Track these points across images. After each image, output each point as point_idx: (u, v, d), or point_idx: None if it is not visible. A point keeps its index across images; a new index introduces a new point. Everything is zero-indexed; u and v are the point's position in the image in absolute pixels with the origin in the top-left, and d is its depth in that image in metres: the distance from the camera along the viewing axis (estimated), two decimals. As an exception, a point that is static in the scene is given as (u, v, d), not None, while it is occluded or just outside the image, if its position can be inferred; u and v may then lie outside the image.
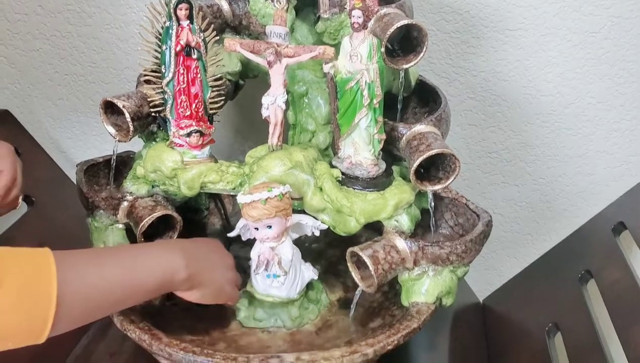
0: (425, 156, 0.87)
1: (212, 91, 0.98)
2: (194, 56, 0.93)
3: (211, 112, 0.99)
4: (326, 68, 0.91)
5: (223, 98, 1.02)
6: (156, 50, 0.93)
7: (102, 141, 1.38)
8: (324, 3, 0.98)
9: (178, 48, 0.91)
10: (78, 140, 1.45)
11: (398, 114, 1.00)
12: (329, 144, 1.15)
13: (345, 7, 0.97)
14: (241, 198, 0.87)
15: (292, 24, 1.02)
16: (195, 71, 0.94)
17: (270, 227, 0.88)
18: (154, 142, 1.02)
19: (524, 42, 1.18)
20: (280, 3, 0.91)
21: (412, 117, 1.10)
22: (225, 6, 1.03)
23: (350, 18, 0.87)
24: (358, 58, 0.87)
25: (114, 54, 1.33)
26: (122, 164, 1.10)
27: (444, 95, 1.02)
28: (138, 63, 0.95)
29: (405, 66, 0.94)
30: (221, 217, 1.21)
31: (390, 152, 0.99)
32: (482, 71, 1.22)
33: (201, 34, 0.93)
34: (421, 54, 0.94)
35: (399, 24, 0.90)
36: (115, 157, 1.02)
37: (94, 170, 1.07)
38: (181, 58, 0.93)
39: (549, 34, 1.17)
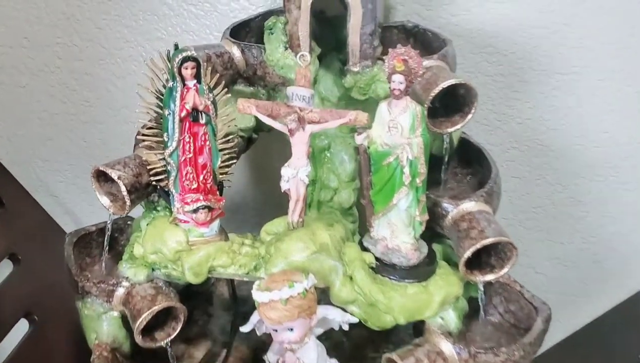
0: (478, 246, 0.74)
1: (223, 154, 0.84)
2: (202, 121, 0.80)
3: (221, 178, 0.86)
4: (359, 140, 0.77)
5: (235, 160, 0.88)
6: (157, 113, 0.80)
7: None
8: (354, 55, 0.85)
9: (183, 113, 0.78)
10: (70, 184, 1.32)
11: (441, 186, 0.87)
12: (353, 202, 1.02)
13: (381, 59, 0.84)
14: (257, 296, 0.73)
15: (315, 76, 0.89)
16: (203, 138, 0.81)
17: (292, 329, 0.75)
18: (154, 212, 0.89)
19: (578, 87, 1.04)
20: (305, 59, 0.77)
21: (453, 179, 0.96)
22: (238, 55, 0.89)
23: (389, 83, 0.73)
24: (398, 130, 0.74)
25: (109, 91, 1.20)
26: (118, 231, 0.97)
27: (492, 159, 0.89)
28: (136, 127, 0.81)
29: (450, 130, 0.81)
30: (229, 286, 1.07)
31: (430, 228, 0.85)
32: (529, 119, 1.08)
33: (210, 95, 0.80)
34: (469, 116, 0.81)
35: (444, 84, 0.77)
36: (109, 232, 0.88)
37: (85, 240, 0.94)
38: (187, 124, 0.79)
39: (606, 78, 1.03)
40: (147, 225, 0.88)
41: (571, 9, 0.99)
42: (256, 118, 0.94)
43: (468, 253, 0.74)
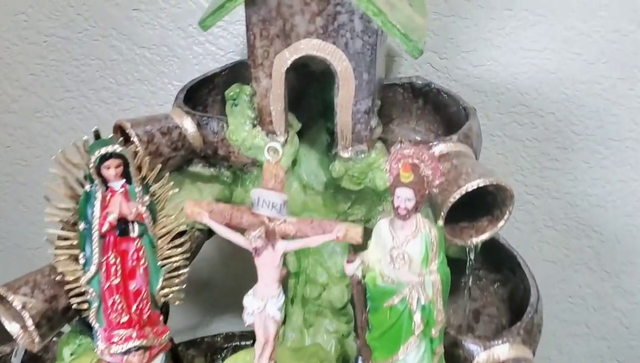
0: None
1: (170, 264, 0.63)
2: (134, 234, 0.59)
3: (165, 299, 0.64)
4: (350, 269, 0.56)
5: (187, 267, 0.67)
6: (72, 225, 0.59)
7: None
8: (345, 137, 0.63)
9: (105, 227, 0.56)
10: (9, 253, 1.11)
11: (466, 309, 0.65)
12: (347, 301, 0.80)
13: (383, 141, 0.62)
14: None
15: (293, 157, 0.67)
16: (135, 257, 0.59)
17: None
18: (80, 338, 0.68)
19: (634, 156, 0.82)
20: (275, 153, 0.56)
21: (476, 285, 0.75)
22: (192, 130, 0.68)
23: (392, 196, 0.51)
24: (405, 262, 0.52)
25: (49, 149, 0.98)
26: (42, 349, 0.75)
27: (530, 271, 0.67)
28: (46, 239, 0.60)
29: (475, 240, 0.60)
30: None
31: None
32: (568, 193, 0.87)
33: (146, 197, 0.58)
34: (501, 223, 0.60)
35: (468, 187, 0.56)
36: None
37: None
38: (111, 240, 0.58)
39: (671, 145, 0.81)
40: (70, 356, 0.67)
41: (629, 59, 0.77)
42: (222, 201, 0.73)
43: None
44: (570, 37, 0.77)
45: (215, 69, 0.77)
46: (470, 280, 0.69)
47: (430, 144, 0.64)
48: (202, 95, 0.78)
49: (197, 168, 0.72)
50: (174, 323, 0.67)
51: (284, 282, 0.66)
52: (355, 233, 0.56)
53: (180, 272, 0.65)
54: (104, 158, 0.55)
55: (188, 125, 0.68)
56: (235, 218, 0.59)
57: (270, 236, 0.57)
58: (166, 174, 0.62)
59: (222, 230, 0.58)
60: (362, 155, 0.64)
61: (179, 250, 0.65)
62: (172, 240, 0.64)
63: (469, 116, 0.68)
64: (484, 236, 0.61)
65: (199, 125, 0.68)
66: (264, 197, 0.57)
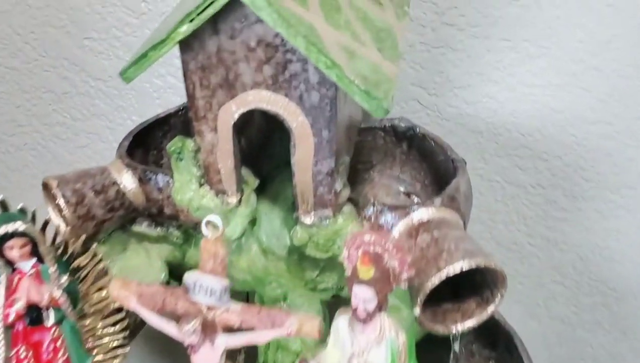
0: None
1: (107, 343, 0.54)
2: (49, 322, 0.49)
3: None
4: (301, 376, 0.46)
5: (127, 346, 0.58)
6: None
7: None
8: (305, 201, 0.53)
9: (11, 318, 0.47)
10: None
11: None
12: None
13: (353, 202, 0.53)
14: None
15: (250, 217, 0.58)
16: (51, 348, 0.50)
17: None
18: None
19: (653, 205, 0.72)
20: (215, 228, 0.46)
21: (467, 361, 0.64)
22: (132, 186, 0.58)
23: (350, 294, 0.42)
24: (366, 371, 0.42)
25: (2, 188, 0.89)
26: None
27: (528, 355, 0.57)
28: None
29: (461, 327, 0.50)
30: None
31: None
32: (578, 245, 0.76)
33: (64, 279, 0.49)
34: (490, 307, 0.50)
35: (449, 270, 0.46)
36: None
37: None
38: (20, 330, 0.49)
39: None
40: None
41: (647, 98, 0.67)
42: (171, 263, 0.64)
43: None
44: (578, 72, 0.66)
45: (170, 109, 0.68)
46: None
47: (407, 209, 0.53)
48: (156, 137, 0.68)
49: (142, 227, 0.62)
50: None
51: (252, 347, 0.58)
52: (311, 327, 0.46)
53: (119, 352, 0.56)
54: (5, 238, 0.46)
55: (128, 181, 0.59)
56: (169, 304, 0.49)
57: (209, 329, 0.48)
58: (93, 245, 0.53)
59: (152, 319, 0.49)
60: (327, 221, 0.54)
61: (117, 328, 0.55)
62: (107, 316, 0.55)
63: (457, 171, 0.58)
64: (471, 322, 0.51)
65: (141, 181, 0.59)
66: (201, 282, 0.47)
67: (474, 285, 0.52)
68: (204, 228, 0.47)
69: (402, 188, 0.67)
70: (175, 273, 0.65)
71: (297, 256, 0.61)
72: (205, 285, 0.47)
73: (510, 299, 0.79)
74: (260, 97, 0.48)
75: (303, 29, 0.41)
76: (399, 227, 0.54)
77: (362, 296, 0.40)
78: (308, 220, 0.54)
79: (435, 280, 0.47)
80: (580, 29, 0.64)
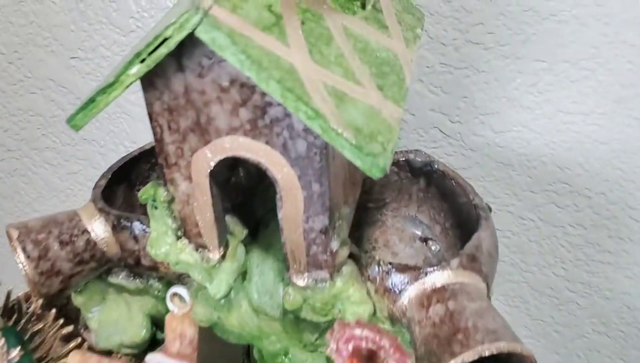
0: None
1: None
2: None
3: None
4: None
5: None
6: None
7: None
8: (297, 260, 0.45)
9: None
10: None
11: None
12: None
13: (356, 259, 0.44)
14: None
15: (239, 270, 0.50)
16: None
17: None
18: None
19: None
20: (182, 302, 0.39)
21: None
22: (104, 235, 0.51)
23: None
24: None
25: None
26: None
27: None
28: None
29: None
30: None
31: None
32: (626, 293, 0.67)
33: (14, 353, 0.42)
34: None
35: (465, 357, 0.37)
36: None
37: None
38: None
39: None
40: None
41: None
42: (154, 318, 0.57)
43: None
44: (628, 97, 0.57)
45: (144, 146, 0.60)
46: None
47: (418, 271, 0.45)
48: (142, 171, 0.61)
49: (119, 279, 0.55)
50: None
51: None
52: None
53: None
54: None
55: (99, 229, 0.51)
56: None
57: (176, 419, 0.40)
58: (52, 311, 0.46)
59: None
60: (324, 284, 0.46)
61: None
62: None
63: (480, 221, 0.49)
64: (494, 410, 0.43)
65: (114, 229, 0.52)
66: (165, 365, 0.40)
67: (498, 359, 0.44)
68: (168, 302, 0.40)
69: (418, 233, 0.59)
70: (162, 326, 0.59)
71: (293, 317, 0.53)
72: (170, 371, 0.40)
73: (546, 349, 0.70)
74: (238, 144, 0.40)
75: (277, 72, 0.33)
76: (409, 293, 0.46)
77: (349, 407, 0.32)
78: (301, 282, 0.46)
79: (452, 369, 0.39)
80: (629, 48, 0.54)
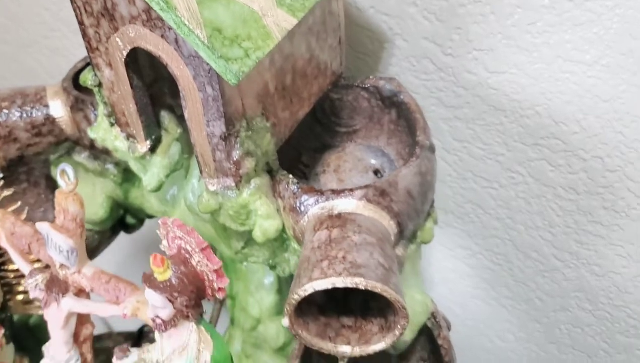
0: None
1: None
2: None
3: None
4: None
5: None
6: None
7: None
8: (206, 164, 0.46)
9: None
10: None
11: None
12: (285, 341, 0.66)
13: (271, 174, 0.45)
14: None
15: (169, 172, 0.52)
16: None
17: None
18: None
19: None
20: (69, 180, 0.42)
21: None
22: (61, 113, 0.56)
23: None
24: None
25: None
26: None
27: None
28: None
29: (347, 351, 0.41)
30: None
31: None
32: (616, 272, 0.62)
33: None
34: (391, 337, 0.40)
35: (315, 285, 0.38)
36: None
37: None
38: None
39: None
40: None
41: None
42: (112, 199, 0.61)
43: None
44: (638, 50, 0.50)
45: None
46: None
47: (322, 195, 0.44)
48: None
49: (81, 158, 0.59)
50: None
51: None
52: (143, 313, 0.40)
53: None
54: None
55: (58, 107, 0.55)
56: (33, 250, 0.46)
57: (58, 287, 0.44)
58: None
59: (17, 259, 0.46)
60: (230, 192, 0.47)
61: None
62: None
63: (411, 158, 0.47)
64: (366, 349, 0.42)
65: (72, 108, 0.55)
66: (52, 236, 0.43)
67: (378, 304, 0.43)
68: (58, 179, 0.43)
69: (377, 165, 0.57)
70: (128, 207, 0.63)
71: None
72: (54, 241, 0.43)
73: (528, 315, 0.67)
74: (139, 35, 0.41)
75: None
76: (309, 214, 0.45)
77: (151, 301, 0.33)
78: (212, 186, 0.47)
79: (300, 293, 0.39)
80: (641, -8, 0.47)
